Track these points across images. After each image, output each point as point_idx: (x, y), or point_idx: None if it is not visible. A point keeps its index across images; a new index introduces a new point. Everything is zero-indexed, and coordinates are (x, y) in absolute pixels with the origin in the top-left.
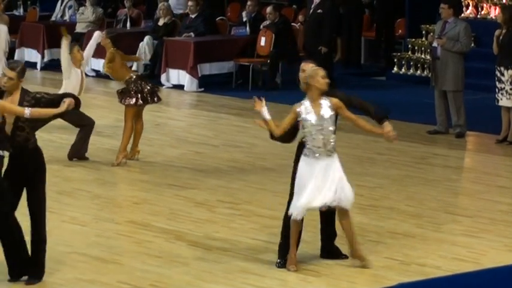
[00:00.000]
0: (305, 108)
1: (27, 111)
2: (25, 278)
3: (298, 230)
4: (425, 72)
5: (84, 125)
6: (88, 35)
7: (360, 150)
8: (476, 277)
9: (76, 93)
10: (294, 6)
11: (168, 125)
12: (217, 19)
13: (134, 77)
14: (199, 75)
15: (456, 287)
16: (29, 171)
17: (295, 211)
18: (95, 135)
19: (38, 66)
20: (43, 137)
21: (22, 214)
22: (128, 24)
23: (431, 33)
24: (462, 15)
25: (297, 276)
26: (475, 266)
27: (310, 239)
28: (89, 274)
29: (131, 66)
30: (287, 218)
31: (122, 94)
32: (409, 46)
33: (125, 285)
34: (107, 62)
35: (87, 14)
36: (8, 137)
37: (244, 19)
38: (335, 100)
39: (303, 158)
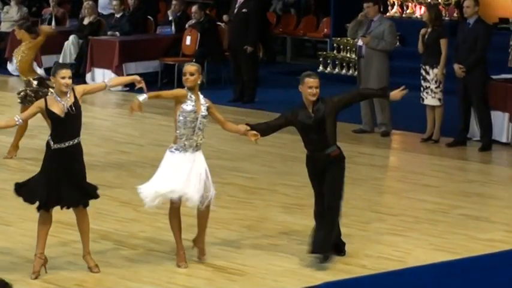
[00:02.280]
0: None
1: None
2: None
3: (177, 225)
4: (350, 71)
5: None
6: (13, 34)
7: (286, 149)
8: (401, 276)
9: None
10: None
11: (93, 125)
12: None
13: (35, 83)
14: (125, 74)
15: (381, 286)
16: None
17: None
18: (24, 137)
19: None
20: None
21: None
22: (53, 23)
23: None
24: (387, 14)
25: (222, 275)
26: (400, 264)
27: (235, 238)
28: (14, 274)
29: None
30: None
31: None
32: (335, 45)
33: (50, 285)
34: (29, 46)
35: (12, 13)
36: None
37: (170, 18)
38: (208, 101)
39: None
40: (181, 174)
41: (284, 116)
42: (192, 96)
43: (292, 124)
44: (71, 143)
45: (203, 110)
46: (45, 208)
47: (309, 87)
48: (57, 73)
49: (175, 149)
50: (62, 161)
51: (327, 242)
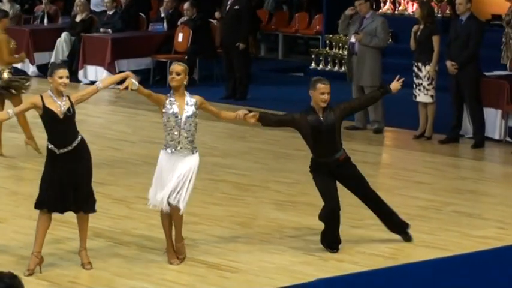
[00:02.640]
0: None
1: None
2: None
3: (167, 224)
4: (342, 68)
5: None
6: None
7: (278, 146)
8: (394, 273)
9: None
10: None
11: (86, 122)
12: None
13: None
14: (117, 71)
15: (374, 283)
16: None
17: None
18: (10, 132)
19: None
20: None
21: None
22: (45, 20)
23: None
24: (380, 11)
25: (215, 273)
26: (392, 261)
27: (227, 235)
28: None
29: (48, 63)
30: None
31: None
32: (327, 42)
33: (43, 281)
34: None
35: None
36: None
37: (162, 15)
38: (198, 97)
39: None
40: (166, 180)
41: (292, 115)
42: (173, 99)
43: (297, 126)
44: (69, 147)
45: (188, 110)
46: (47, 209)
47: (321, 93)
48: (55, 73)
49: (166, 147)
50: (63, 165)
51: (399, 223)
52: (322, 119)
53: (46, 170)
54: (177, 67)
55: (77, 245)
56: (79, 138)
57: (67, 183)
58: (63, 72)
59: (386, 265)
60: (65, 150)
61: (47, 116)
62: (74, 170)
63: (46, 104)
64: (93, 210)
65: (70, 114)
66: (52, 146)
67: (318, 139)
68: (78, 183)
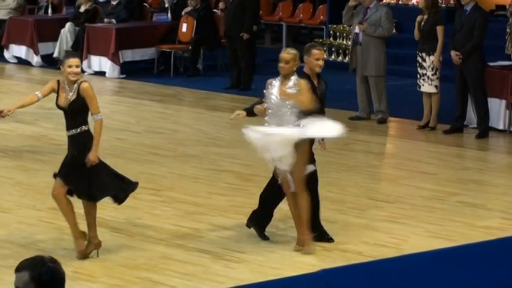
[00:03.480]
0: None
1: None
2: None
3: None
4: (347, 58)
5: None
6: (10, 22)
7: None
8: (398, 263)
9: None
10: None
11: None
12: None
13: None
14: (121, 61)
15: (378, 273)
16: None
17: None
18: (16, 122)
19: None
20: None
21: None
22: (49, 11)
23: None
24: (383, 1)
25: (219, 263)
26: (396, 251)
27: (232, 225)
28: (10, 261)
29: (52, 53)
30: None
31: None
32: (331, 32)
33: None
34: None
35: (9, 1)
36: None
37: (166, 5)
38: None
39: None
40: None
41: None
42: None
43: None
44: (68, 134)
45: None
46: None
47: (316, 59)
48: (65, 62)
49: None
50: (70, 148)
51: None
52: (317, 85)
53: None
54: (286, 55)
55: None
56: (76, 131)
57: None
58: (73, 61)
59: (391, 255)
60: (67, 134)
61: (57, 101)
62: (77, 158)
63: (59, 90)
64: (93, 200)
65: (74, 105)
66: None
67: None
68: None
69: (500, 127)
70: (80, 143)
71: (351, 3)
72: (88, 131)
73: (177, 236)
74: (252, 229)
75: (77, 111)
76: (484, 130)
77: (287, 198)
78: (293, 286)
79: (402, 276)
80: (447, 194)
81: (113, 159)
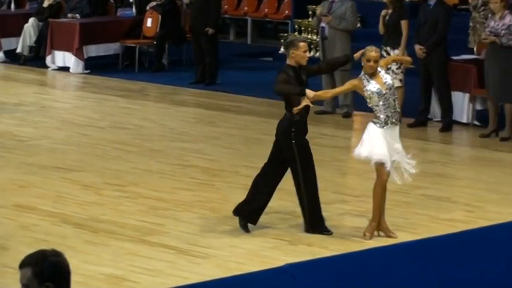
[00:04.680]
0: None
1: None
2: None
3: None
4: (311, 53)
5: None
6: None
7: (248, 131)
8: (363, 256)
9: None
10: None
11: (54, 107)
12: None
13: None
14: (85, 56)
15: (343, 267)
16: None
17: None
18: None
19: None
20: None
21: None
22: (12, 5)
23: (319, 10)
24: None
25: (185, 258)
26: (362, 245)
27: (197, 220)
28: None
29: (15, 49)
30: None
31: None
32: (296, 27)
33: (10, 269)
34: None
35: None
36: None
37: (131, 0)
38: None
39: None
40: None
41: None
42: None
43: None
44: None
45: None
46: None
47: (304, 51)
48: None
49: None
50: None
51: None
52: (302, 77)
53: None
54: (375, 54)
55: (42, 230)
56: None
57: None
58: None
59: (356, 249)
60: None
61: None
62: None
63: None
64: None
65: None
66: None
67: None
68: None
69: (464, 120)
70: None
71: (318, 13)
72: None
73: (142, 232)
74: (218, 223)
75: None
76: (448, 123)
77: (383, 190)
78: (259, 281)
79: (367, 269)
80: (411, 187)
81: (77, 155)
